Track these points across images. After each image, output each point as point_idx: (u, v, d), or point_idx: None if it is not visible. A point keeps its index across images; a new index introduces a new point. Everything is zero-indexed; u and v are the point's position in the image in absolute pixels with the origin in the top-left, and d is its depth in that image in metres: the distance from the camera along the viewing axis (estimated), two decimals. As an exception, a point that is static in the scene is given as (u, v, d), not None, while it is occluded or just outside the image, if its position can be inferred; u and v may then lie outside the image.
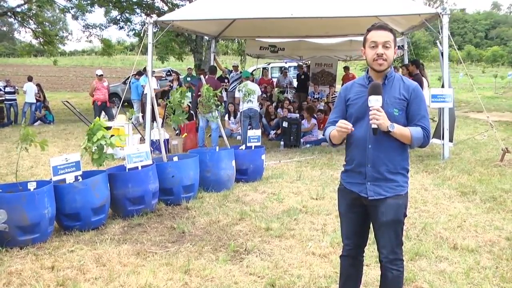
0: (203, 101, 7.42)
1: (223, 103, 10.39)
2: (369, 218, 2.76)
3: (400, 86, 2.67)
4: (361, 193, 2.69)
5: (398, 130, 2.58)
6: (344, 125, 2.60)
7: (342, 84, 15.56)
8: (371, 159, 2.64)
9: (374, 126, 2.55)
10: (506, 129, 11.94)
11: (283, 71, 17.42)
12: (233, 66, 15.23)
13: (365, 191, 2.68)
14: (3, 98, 15.86)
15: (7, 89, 16.25)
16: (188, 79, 15.09)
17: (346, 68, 15.88)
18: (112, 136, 5.28)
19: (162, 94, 13.75)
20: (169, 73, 20.96)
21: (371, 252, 3.79)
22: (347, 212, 2.82)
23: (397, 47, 2.73)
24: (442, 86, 8.45)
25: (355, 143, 2.70)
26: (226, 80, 14.30)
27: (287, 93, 15.62)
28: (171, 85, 13.82)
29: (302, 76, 15.32)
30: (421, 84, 9.37)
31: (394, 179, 2.65)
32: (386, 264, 2.71)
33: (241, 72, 15.27)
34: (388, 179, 2.64)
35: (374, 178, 2.65)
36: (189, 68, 17.62)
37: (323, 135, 2.91)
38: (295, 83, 17.02)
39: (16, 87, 16.28)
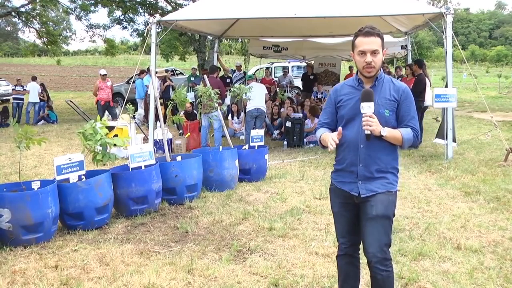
0: (203, 100, 7.43)
1: (224, 101, 10.34)
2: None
3: (390, 87, 2.72)
4: (351, 191, 2.73)
5: (390, 133, 2.64)
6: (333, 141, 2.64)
7: (344, 84, 15.73)
8: (363, 159, 2.69)
9: (367, 132, 2.60)
10: (510, 129, 11.88)
11: (284, 71, 17.41)
12: (236, 66, 15.24)
13: (356, 189, 2.71)
14: (12, 96, 16.06)
15: (17, 88, 16.42)
16: (192, 78, 15.09)
17: (351, 68, 15.89)
18: (115, 135, 5.29)
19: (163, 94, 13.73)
20: (172, 73, 20.99)
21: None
22: (341, 211, 2.84)
23: (386, 49, 2.76)
24: (446, 86, 8.42)
25: (346, 144, 2.73)
26: (229, 80, 14.30)
27: (288, 92, 15.63)
28: (170, 84, 13.70)
29: (311, 76, 15.20)
30: (424, 84, 9.35)
31: (385, 177, 2.70)
32: (375, 265, 2.66)
33: (244, 72, 15.28)
34: (379, 178, 2.69)
35: (365, 177, 2.69)
36: (193, 68, 17.62)
37: (316, 134, 2.92)
38: (295, 83, 17.01)
39: (24, 87, 16.40)
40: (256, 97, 9.31)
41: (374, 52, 2.63)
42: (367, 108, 2.59)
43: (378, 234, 2.66)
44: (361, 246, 2.92)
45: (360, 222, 2.77)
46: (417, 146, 8.71)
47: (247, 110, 9.65)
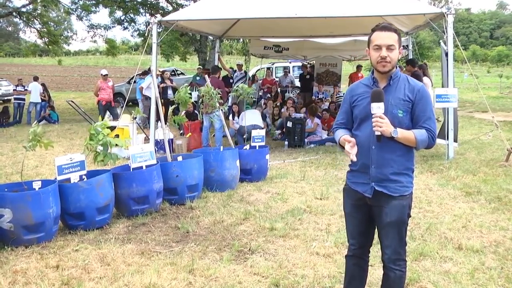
0: (205, 100, 7.42)
1: (226, 102, 10.31)
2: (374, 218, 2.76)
3: (405, 87, 2.65)
4: (365, 193, 2.70)
5: (402, 134, 2.57)
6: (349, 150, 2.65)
7: (349, 82, 15.75)
8: (375, 160, 2.65)
9: (377, 133, 2.56)
10: (511, 129, 11.86)
11: (285, 71, 17.42)
12: (237, 65, 15.23)
13: (369, 191, 2.68)
14: (13, 96, 16.12)
15: (18, 88, 16.46)
16: (198, 78, 15.06)
17: (359, 67, 15.93)
18: (116, 135, 5.29)
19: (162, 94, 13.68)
20: (173, 73, 20.99)
21: (375, 252, 3.77)
22: (352, 212, 2.82)
23: (402, 47, 2.72)
24: (442, 86, 8.42)
25: (359, 145, 2.69)
26: (231, 81, 14.29)
27: (289, 92, 15.62)
28: (166, 85, 13.57)
29: (307, 76, 15.26)
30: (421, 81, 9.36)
31: (398, 179, 2.65)
32: (389, 264, 2.72)
33: (245, 72, 15.27)
34: (392, 180, 2.64)
35: (378, 179, 2.65)
36: (199, 67, 17.56)
37: (334, 136, 2.91)
38: (296, 83, 17.01)
39: (26, 87, 16.43)
40: (253, 115, 9.42)
41: (389, 47, 2.59)
42: (376, 108, 2.54)
43: (393, 238, 2.68)
44: (371, 248, 2.93)
45: (373, 225, 2.79)
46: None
47: (244, 125, 8.91)
